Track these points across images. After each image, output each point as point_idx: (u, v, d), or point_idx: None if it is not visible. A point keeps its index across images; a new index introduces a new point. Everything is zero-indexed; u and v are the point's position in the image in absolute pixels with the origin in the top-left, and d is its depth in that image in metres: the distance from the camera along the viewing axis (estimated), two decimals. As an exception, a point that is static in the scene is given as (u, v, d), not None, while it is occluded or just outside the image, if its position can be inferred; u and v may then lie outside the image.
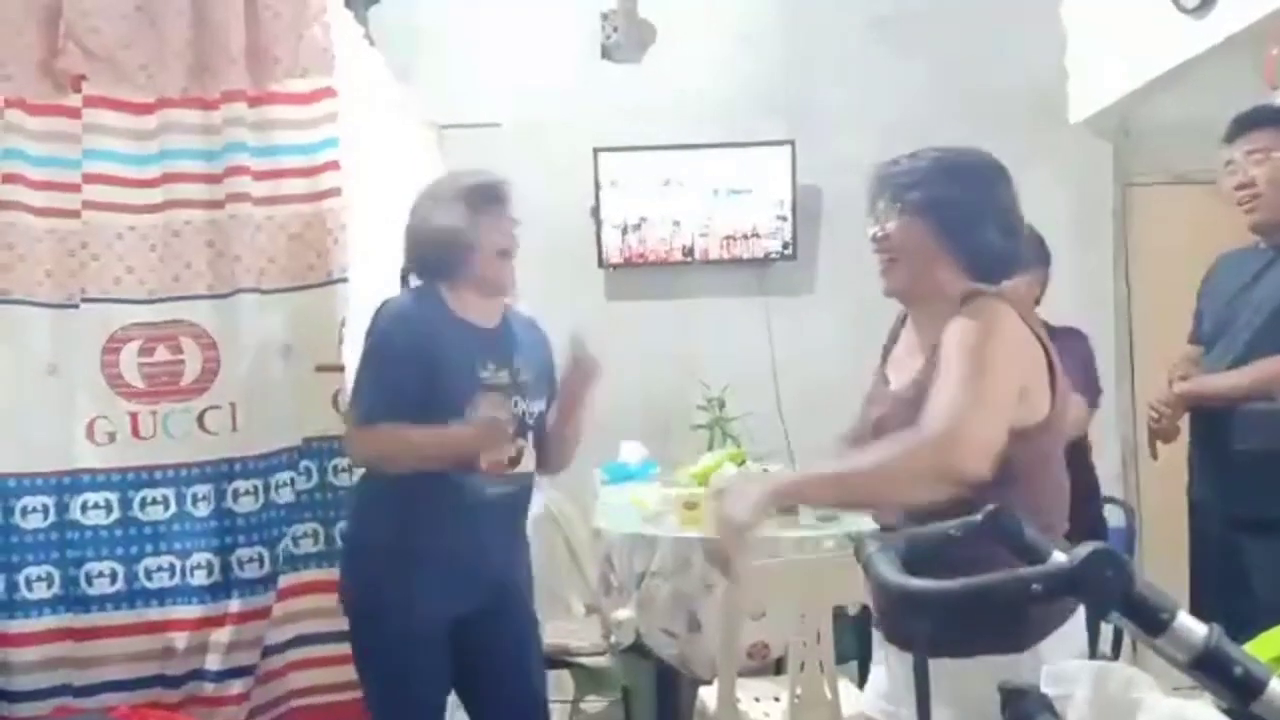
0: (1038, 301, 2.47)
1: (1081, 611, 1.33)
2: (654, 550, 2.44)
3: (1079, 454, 2.25)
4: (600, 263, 3.75)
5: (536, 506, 2.18)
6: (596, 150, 3.69)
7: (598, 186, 3.72)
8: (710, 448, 3.41)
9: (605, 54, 3.80)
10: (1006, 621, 1.25)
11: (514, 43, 3.73)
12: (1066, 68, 3.66)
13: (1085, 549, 0.77)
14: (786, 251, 3.77)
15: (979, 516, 1.02)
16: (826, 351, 3.66)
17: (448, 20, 3.70)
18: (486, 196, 1.90)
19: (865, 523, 2.51)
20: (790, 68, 3.76)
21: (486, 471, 1.87)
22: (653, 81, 3.74)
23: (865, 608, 2.08)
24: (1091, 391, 2.42)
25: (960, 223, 1.43)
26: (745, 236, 3.79)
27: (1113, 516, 3.05)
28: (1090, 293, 3.65)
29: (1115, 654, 2.41)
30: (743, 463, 3.08)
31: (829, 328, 3.70)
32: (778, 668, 2.43)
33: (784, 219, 3.76)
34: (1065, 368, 1.40)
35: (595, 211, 3.74)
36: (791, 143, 3.71)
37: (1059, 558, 0.93)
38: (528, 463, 1.95)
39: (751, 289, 3.82)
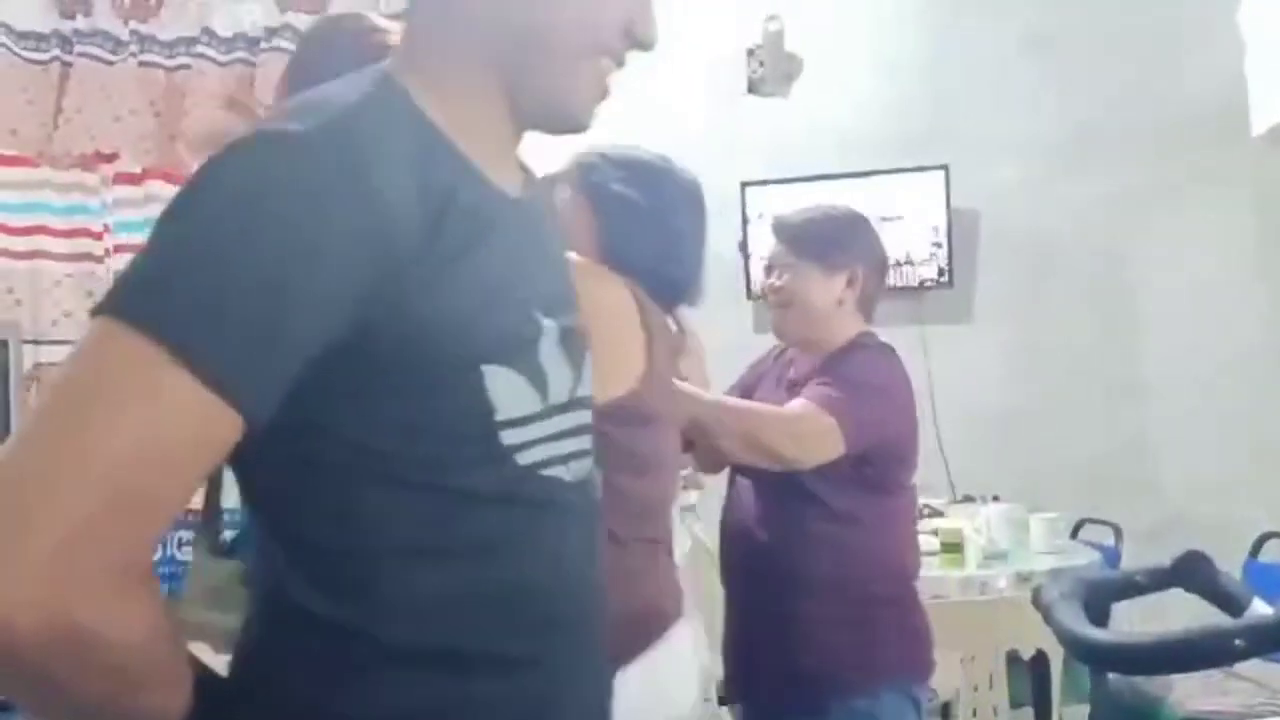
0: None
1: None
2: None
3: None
4: (748, 295, 3.74)
5: (686, 540, 2.17)
6: (744, 185, 3.69)
7: (745, 220, 3.72)
8: (866, 482, 3.33)
9: (752, 89, 3.81)
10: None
11: (661, 81, 3.79)
12: (1246, 75, 3.43)
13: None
14: (942, 279, 3.66)
15: (1168, 563, 0.95)
16: (987, 381, 3.53)
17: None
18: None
19: (1038, 562, 2.40)
20: (942, 93, 3.67)
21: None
22: (800, 114, 3.72)
23: (1040, 652, 1.97)
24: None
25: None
26: (898, 264, 3.70)
27: (1100, 535, 2.82)
28: (1277, 315, 3.38)
29: None
30: (901, 497, 3.00)
31: (989, 357, 3.56)
32: (945, 712, 2.33)
33: (939, 245, 3.65)
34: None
35: (743, 245, 3.74)
36: (945, 167, 3.61)
37: (1260, 608, 0.86)
38: None
39: (906, 318, 3.72)
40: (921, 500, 2.97)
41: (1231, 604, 0.93)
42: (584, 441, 0.78)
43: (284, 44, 2.18)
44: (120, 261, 2.26)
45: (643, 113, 3.80)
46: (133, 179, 2.24)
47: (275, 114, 0.72)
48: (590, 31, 0.75)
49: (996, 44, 3.64)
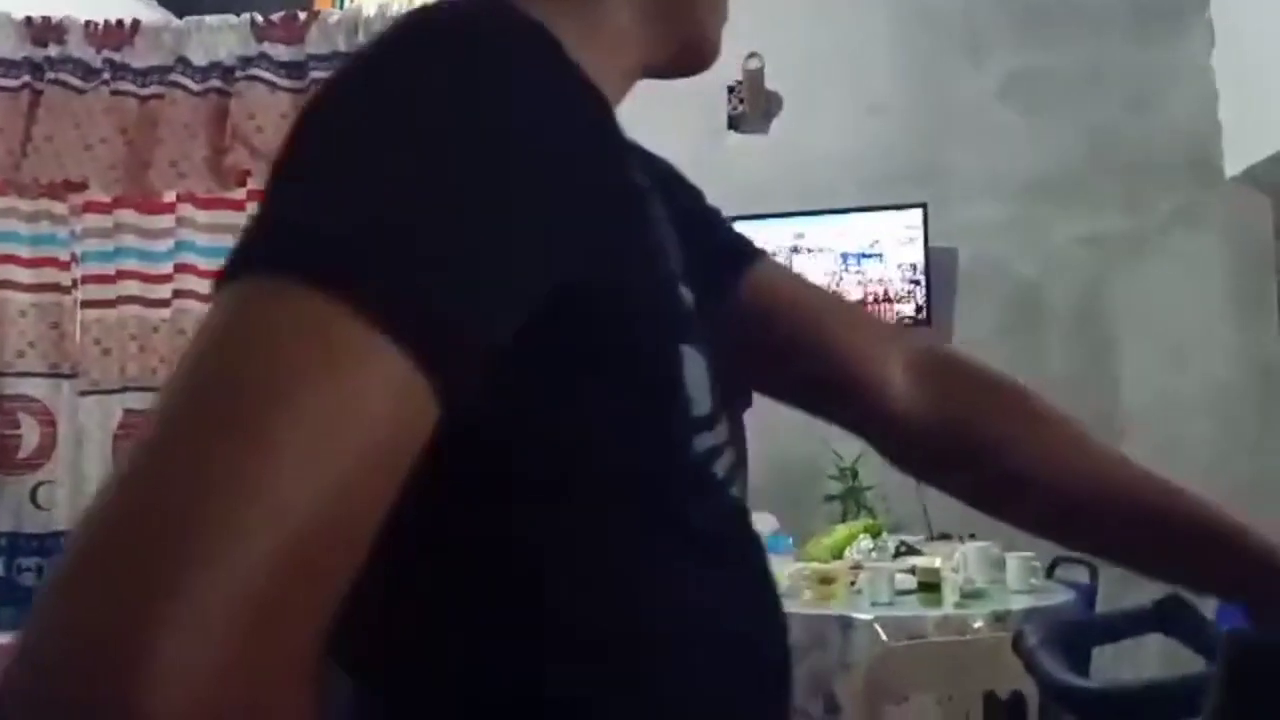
0: None
1: None
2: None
3: None
4: (728, 330, 3.74)
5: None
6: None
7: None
8: (844, 519, 3.31)
9: (732, 125, 3.84)
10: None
11: (642, 117, 3.80)
12: (1220, 120, 3.48)
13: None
14: (920, 316, 3.67)
15: (1149, 605, 0.93)
16: (965, 419, 3.54)
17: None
18: None
19: (1014, 601, 2.38)
20: (920, 132, 3.71)
21: None
22: (780, 151, 3.74)
23: (1017, 693, 1.95)
24: None
25: None
26: (877, 301, 3.72)
27: (1076, 574, 2.81)
28: (1250, 356, 3.41)
29: None
30: (879, 534, 2.98)
31: (967, 394, 3.57)
32: (922, 755, 2.30)
33: (917, 283, 3.67)
34: None
35: (723, 279, 3.74)
36: (924, 205, 3.63)
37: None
38: None
39: (884, 355, 3.73)
40: (899, 538, 2.96)
41: (1211, 649, 0.91)
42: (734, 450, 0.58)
43: (260, 73, 2.17)
44: (90, 292, 2.22)
45: (622, 147, 3.81)
46: (103, 208, 2.21)
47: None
48: None
49: (976, 84, 3.68)
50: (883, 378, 0.68)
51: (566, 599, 0.47)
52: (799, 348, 0.68)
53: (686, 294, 0.54)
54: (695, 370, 0.51)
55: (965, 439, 0.69)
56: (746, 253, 0.70)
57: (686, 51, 0.64)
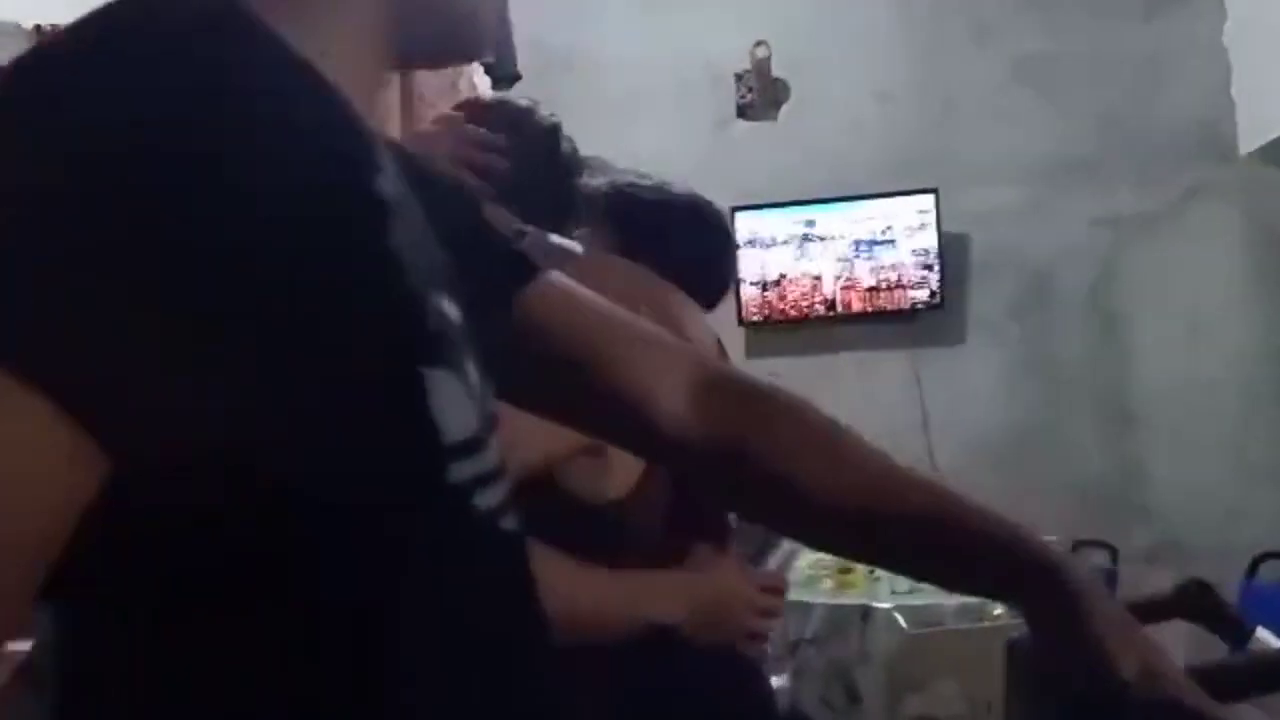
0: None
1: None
2: (808, 617, 2.37)
3: None
4: (740, 321, 3.73)
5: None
6: (733, 209, 3.69)
7: (735, 245, 3.72)
8: (861, 507, 3.30)
9: (740, 113, 3.83)
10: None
11: (650, 108, 3.80)
12: (1234, 97, 3.45)
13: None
14: (934, 301, 3.66)
15: (1169, 590, 0.93)
16: (980, 403, 3.52)
17: (587, 91, 3.80)
18: None
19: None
20: (931, 116, 3.69)
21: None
22: (789, 138, 3.73)
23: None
24: None
25: None
26: (889, 287, 3.71)
27: (1096, 557, 2.80)
28: (1268, 334, 3.39)
29: None
30: (896, 522, 2.98)
31: (982, 378, 3.55)
32: (944, 742, 2.30)
33: (930, 268, 3.66)
34: None
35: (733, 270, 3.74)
36: (935, 190, 3.61)
37: (1266, 640, 0.84)
38: None
39: (898, 341, 3.72)
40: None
41: (1235, 634, 0.91)
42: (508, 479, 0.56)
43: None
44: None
45: (631, 138, 3.81)
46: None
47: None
48: None
49: (985, 67, 3.66)
50: (653, 396, 0.67)
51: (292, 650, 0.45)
52: (571, 367, 0.67)
53: (444, 310, 0.51)
54: (446, 394, 0.48)
55: (735, 454, 0.68)
56: (524, 269, 0.68)
57: (444, 38, 0.59)
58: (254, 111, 0.43)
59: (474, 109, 1.18)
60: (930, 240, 3.64)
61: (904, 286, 3.69)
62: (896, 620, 2.18)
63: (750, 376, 0.71)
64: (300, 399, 0.43)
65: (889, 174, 3.65)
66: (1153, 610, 0.96)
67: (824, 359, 3.73)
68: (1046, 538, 2.55)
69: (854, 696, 2.28)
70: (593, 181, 1.26)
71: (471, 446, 0.50)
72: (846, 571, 2.36)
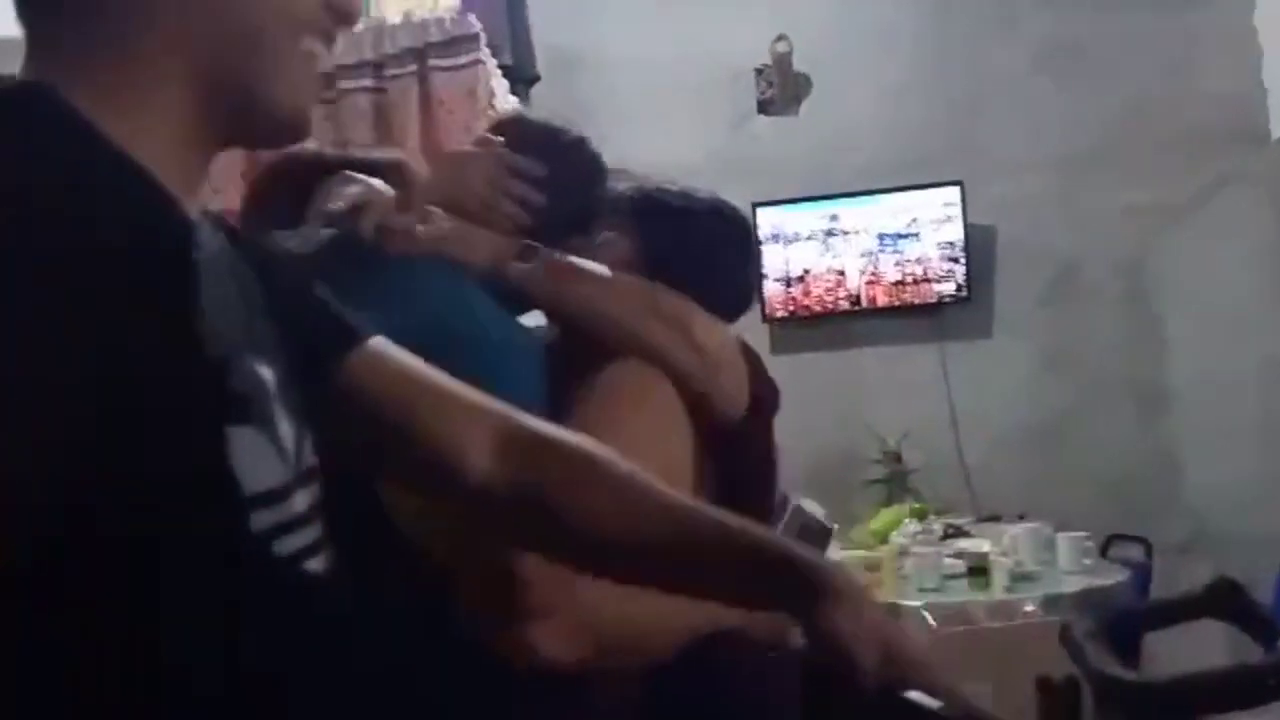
0: None
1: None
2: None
3: None
4: (764, 317, 3.71)
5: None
6: (755, 205, 3.67)
7: (758, 241, 3.70)
8: (888, 503, 3.28)
9: (761, 109, 3.81)
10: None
11: (672, 105, 3.79)
12: (1264, 81, 3.39)
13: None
14: (961, 294, 3.62)
15: (1200, 589, 0.91)
16: (1009, 396, 3.49)
17: (606, 91, 3.80)
18: None
19: (1066, 583, 2.35)
20: (954, 108, 3.65)
21: None
22: (811, 133, 3.71)
23: (1071, 678, 1.92)
24: None
25: None
26: (915, 281, 3.68)
27: (1131, 551, 2.76)
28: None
29: None
30: (924, 516, 2.96)
31: (1011, 372, 3.52)
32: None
33: (956, 261, 3.62)
34: None
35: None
36: (960, 183, 3.58)
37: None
38: None
39: (924, 335, 3.69)
40: (945, 520, 2.93)
41: (1266, 633, 0.89)
42: (320, 527, 0.62)
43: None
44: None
45: (651, 136, 3.80)
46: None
47: None
48: (286, 6, 0.59)
49: (1008, 56, 3.61)
50: (461, 457, 0.74)
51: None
52: (388, 427, 0.74)
53: (255, 371, 0.57)
54: (248, 449, 0.54)
55: (534, 501, 0.76)
56: (348, 338, 0.74)
57: (262, 122, 0.62)
58: (56, 188, 0.49)
59: (511, 131, 1.19)
60: (956, 233, 3.60)
61: (930, 280, 3.65)
62: (925, 618, 2.16)
63: (551, 430, 0.78)
64: (105, 457, 0.48)
65: (913, 167, 3.62)
66: (1184, 609, 0.95)
67: (849, 354, 3.71)
68: (1077, 533, 2.52)
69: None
70: (619, 185, 1.25)
71: (275, 496, 0.56)
72: (873, 569, 2.35)
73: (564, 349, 1.11)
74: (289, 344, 0.63)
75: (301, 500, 0.59)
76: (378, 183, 1.16)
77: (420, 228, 1.05)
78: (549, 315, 1.12)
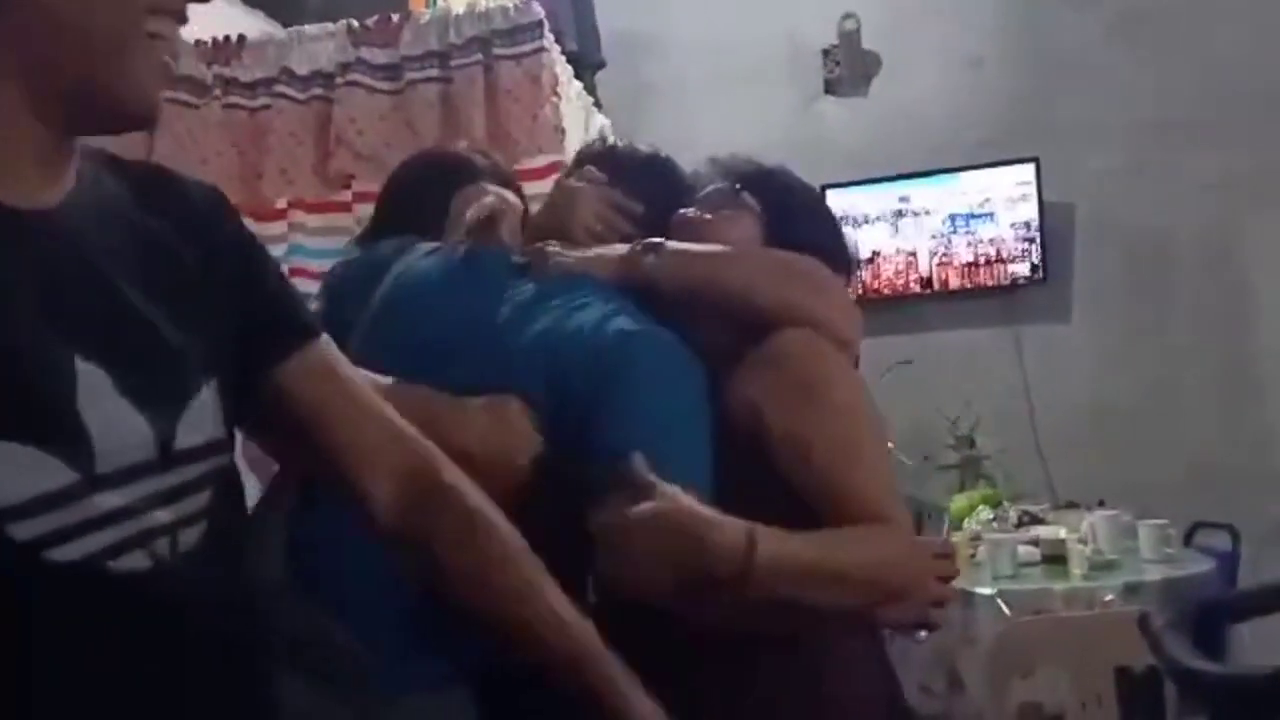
0: None
1: None
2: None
3: None
4: (834, 301, 3.67)
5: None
6: (824, 187, 3.62)
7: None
8: (961, 488, 3.23)
9: (829, 89, 3.76)
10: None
11: (738, 88, 3.75)
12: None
13: None
14: (1036, 275, 3.53)
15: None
16: (1087, 380, 3.39)
17: (671, 75, 3.78)
18: None
19: (1148, 572, 2.28)
20: (1027, 83, 3.55)
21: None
22: (881, 112, 3.64)
23: (1152, 667, 1.87)
24: None
25: None
26: (989, 262, 3.60)
27: (1217, 540, 2.63)
28: None
29: None
30: (999, 503, 2.90)
31: (1089, 354, 3.42)
32: (1053, 730, 2.23)
33: (1031, 240, 3.53)
34: None
35: (826, 249, 3.68)
36: (1035, 159, 3.49)
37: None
38: None
39: (998, 317, 3.60)
40: (1021, 506, 2.86)
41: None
42: (193, 504, 0.62)
43: (358, 78, 2.23)
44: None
45: (718, 118, 3.78)
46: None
47: None
48: None
49: (1081, 27, 3.50)
50: (366, 485, 0.77)
51: None
52: (307, 438, 0.76)
53: (65, 367, 0.57)
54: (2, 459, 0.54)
55: (424, 548, 0.79)
56: (294, 340, 0.75)
57: (106, 111, 0.61)
58: None
59: (608, 163, 1.23)
60: (1031, 212, 3.51)
61: (1004, 261, 3.57)
62: (1000, 606, 2.12)
63: (454, 482, 0.79)
64: None
65: (986, 144, 3.53)
66: (1267, 600, 0.92)
67: (921, 338, 3.64)
68: (1159, 520, 2.43)
69: (956, 683, 2.22)
70: (712, 167, 1.27)
71: (50, 502, 0.55)
72: (947, 556, 2.31)
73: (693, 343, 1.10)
74: (218, 325, 0.66)
75: (129, 493, 0.58)
76: (509, 194, 1.24)
77: (552, 248, 1.11)
78: (688, 303, 1.11)
